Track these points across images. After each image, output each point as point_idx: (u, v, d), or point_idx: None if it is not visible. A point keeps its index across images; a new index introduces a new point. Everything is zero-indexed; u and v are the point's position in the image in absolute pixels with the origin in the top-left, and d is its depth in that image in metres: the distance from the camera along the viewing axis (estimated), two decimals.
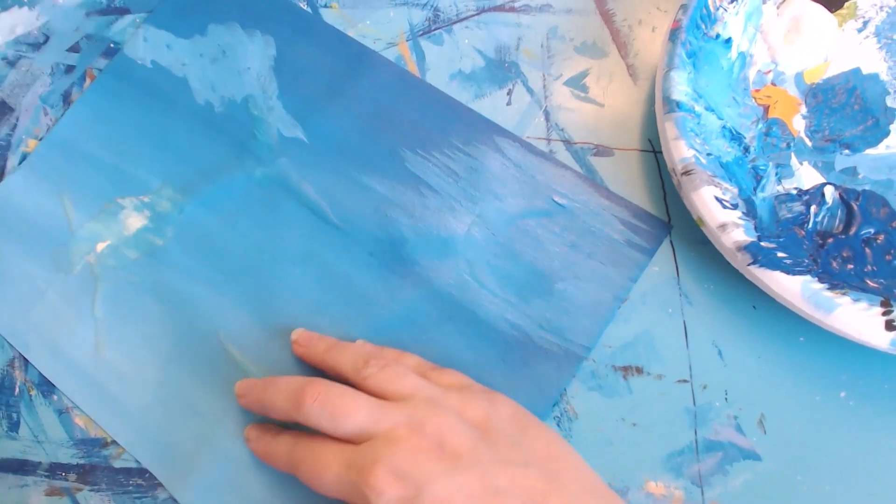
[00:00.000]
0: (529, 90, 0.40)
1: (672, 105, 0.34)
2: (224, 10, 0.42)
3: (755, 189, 0.35)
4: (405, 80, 0.40)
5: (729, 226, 0.33)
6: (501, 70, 0.41)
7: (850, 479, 0.33)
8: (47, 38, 0.44)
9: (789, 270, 0.32)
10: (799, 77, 0.37)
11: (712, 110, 0.35)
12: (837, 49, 0.37)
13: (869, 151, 0.35)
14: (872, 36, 0.37)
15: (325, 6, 0.43)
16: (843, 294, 0.32)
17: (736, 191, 0.34)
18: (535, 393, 0.35)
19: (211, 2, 0.43)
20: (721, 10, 0.36)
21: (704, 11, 0.36)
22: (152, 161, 0.40)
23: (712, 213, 0.33)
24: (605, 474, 0.34)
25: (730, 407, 0.35)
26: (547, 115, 0.40)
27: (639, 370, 0.36)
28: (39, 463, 0.37)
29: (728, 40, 0.36)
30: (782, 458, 0.34)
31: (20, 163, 0.42)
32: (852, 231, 0.34)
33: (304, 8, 0.42)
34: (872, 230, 0.34)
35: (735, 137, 0.36)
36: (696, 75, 0.35)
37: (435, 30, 0.42)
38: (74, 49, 0.44)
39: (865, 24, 0.37)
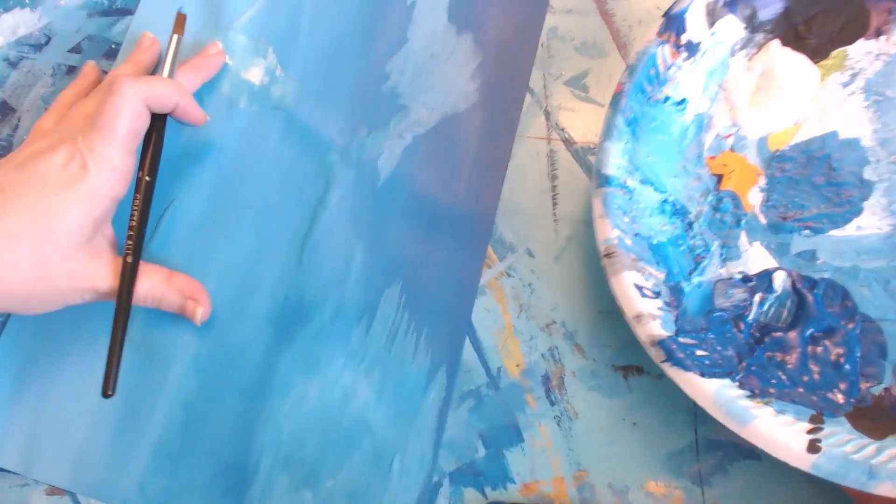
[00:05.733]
0: (530, 90, 0.40)
1: (602, 180, 0.32)
2: None
3: (691, 272, 0.32)
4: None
5: (644, 317, 0.30)
6: None
7: None
8: (49, 39, 0.45)
9: (704, 372, 0.29)
10: (762, 142, 0.33)
11: (650, 183, 0.32)
12: (813, 109, 0.32)
13: (833, 233, 0.31)
14: (860, 92, 0.32)
15: None
16: (766, 404, 0.28)
17: (662, 276, 0.31)
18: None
19: None
20: (674, 68, 0.33)
21: (653, 72, 0.32)
22: None
23: (629, 301, 0.30)
24: (606, 474, 0.35)
25: None
26: (547, 114, 0.40)
27: (639, 370, 0.35)
28: None
29: (682, 101, 0.33)
30: None
31: None
32: (801, 326, 0.30)
33: None
34: (826, 326, 0.30)
35: (678, 212, 0.32)
36: (635, 144, 0.32)
37: None
38: (76, 50, 0.44)
39: (854, 76, 0.32)
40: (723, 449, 0.33)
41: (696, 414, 0.33)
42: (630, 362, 0.35)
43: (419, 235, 0.38)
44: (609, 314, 0.36)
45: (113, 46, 0.44)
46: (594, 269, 0.36)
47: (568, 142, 0.38)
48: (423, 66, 0.40)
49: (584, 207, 0.37)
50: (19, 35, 0.45)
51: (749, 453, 0.33)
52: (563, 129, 0.39)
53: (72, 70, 0.44)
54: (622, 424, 0.35)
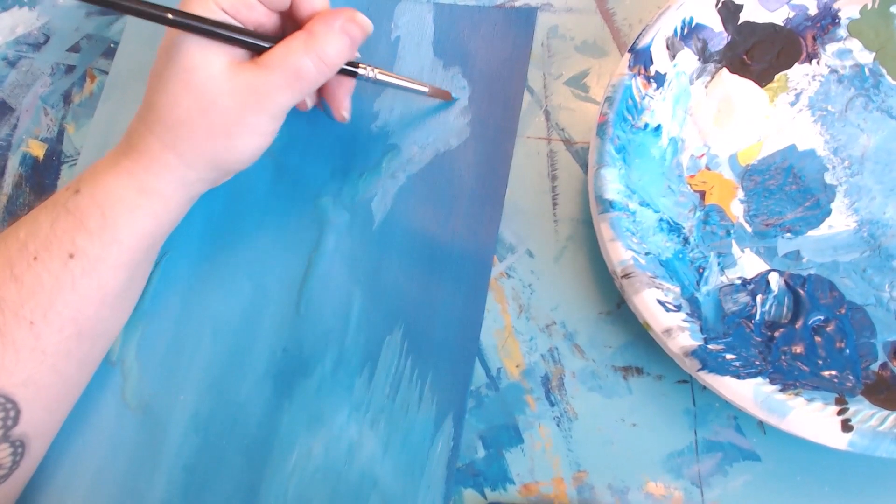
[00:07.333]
0: (530, 89, 0.40)
1: (605, 205, 0.33)
2: None
3: (698, 283, 0.34)
4: None
5: (674, 330, 0.31)
6: None
7: (850, 480, 0.33)
8: (47, 38, 0.45)
9: (739, 374, 0.30)
10: (733, 159, 0.36)
11: (647, 205, 0.34)
12: (770, 127, 0.36)
13: (811, 233, 0.34)
14: (806, 109, 0.36)
15: None
16: (797, 395, 0.30)
17: (678, 290, 0.33)
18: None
19: None
20: (647, 98, 0.35)
21: (630, 102, 0.35)
22: None
23: (656, 318, 0.31)
24: (605, 475, 0.34)
25: (729, 408, 0.34)
26: (547, 114, 0.40)
27: (639, 371, 0.36)
28: None
29: (657, 128, 0.35)
30: (782, 458, 0.34)
31: (21, 163, 0.42)
32: (801, 320, 0.33)
33: None
34: (822, 317, 0.33)
35: (673, 229, 0.34)
36: (627, 170, 0.34)
37: None
38: (75, 49, 0.44)
39: (798, 96, 0.36)
40: (722, 450, 0.34)
41: (695, 415, 0.35)
42: (630, 363, 0.36)
43: (418, 277, 0.37)
44: (609, 315, 0.36)
45: (111, 45, 0.44)
46: (594, 270, 0.37)
47: (568, 142, 0.39)
48: (412, 102, 0.40)
49: (584, 208, 0.38)
50: (18, 34, 0.45)
51: (748, 454, 0.34)
52: (562, 129, 0.39)
53: (70, 69, 0.44)
54: (622, 425, 0.35)
